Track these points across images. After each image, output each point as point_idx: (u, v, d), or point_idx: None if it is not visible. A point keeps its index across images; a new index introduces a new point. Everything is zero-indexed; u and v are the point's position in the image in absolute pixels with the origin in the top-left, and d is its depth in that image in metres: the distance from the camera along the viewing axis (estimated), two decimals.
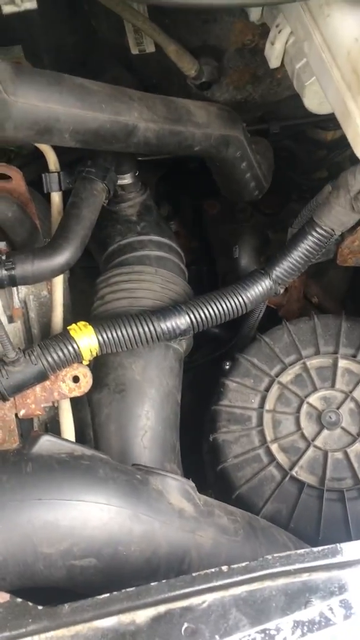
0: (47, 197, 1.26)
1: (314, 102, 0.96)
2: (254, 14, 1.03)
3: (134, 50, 1.19)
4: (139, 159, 1.30)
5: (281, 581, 0.71)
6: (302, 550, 0.72)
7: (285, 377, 1.19)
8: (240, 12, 1.10)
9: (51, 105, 0.91)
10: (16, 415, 1.08)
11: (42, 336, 1.22)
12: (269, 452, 1.14)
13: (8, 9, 0.66)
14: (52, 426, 1.22)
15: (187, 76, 1.19)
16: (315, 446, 1.13)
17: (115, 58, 1.29)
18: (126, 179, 1.28)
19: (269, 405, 1.17)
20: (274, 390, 1.18)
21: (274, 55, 0.97)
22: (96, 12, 1.22)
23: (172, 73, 1.21)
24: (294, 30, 0.89)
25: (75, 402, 1.12)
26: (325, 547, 0.72)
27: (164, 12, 1.13)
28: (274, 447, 1.14)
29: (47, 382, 1.06)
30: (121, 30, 1.18)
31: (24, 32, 1.16)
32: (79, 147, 1.01)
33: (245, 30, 1.16)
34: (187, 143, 1.13)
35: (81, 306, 1.31)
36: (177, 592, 0.69)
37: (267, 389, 1.18)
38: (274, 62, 0.99)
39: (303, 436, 1.14)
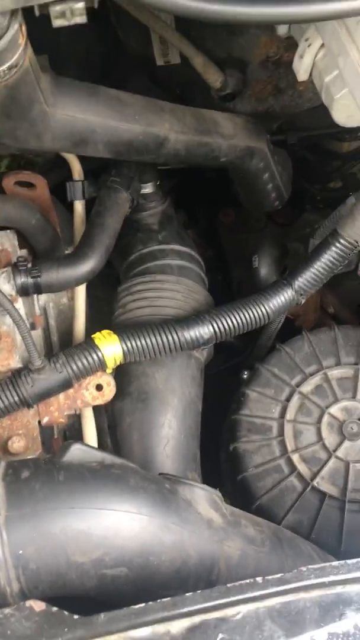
0: (68, 205, 1.27)
1: (343, 115, 0.96)
2: (282, 28, 1.04)
3: (159, 62, 1.20)
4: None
5: (315, 593, 0.71)
6: (336, 563, 0.72)
7: (306, 388, 1.19)
8: (267, 25, 1.10)
9: (88, 117, 0.92)
10: (39, 422, 1.08)
11: (61, 343, 1.23)
12: (290, 463, 1.14)
13: (58, 22, 0.66)
14: (71, 434, 1.22)
15: (211, 87, 1.21)
16: (337, 457, 1.13)
17: (139, 68, 1.30)
18: (148, 188, 1.29)
19: (289, 415, 1.18)
20: (295, 400, 1.19)
21: (302, 68, 0.98)
22: (123, 22, 1.23)
23: (196, 84, 1.22)
24: (327, 44, 0.90)
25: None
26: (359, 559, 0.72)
27: (190, 24, 1.14)
28: (295, 458, 1.14)
29: (71, 390, 1.07)
30: (147, 41, 1.19)
31: (51, 42, 1.17)
32: (111, 158, 1.02)
33: (270, 43, 1.18)
34: (214, 154, 1.14)
35: (96, 313, 1.31)
36: (212, 603, 0.70)
37: (288, 399, 1.19)
38: (302, 75, 0.99)
39: (324, 447, 1.15)
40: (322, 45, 0.94)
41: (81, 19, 0.65)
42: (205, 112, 1.14)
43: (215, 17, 0.65)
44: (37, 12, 0.67)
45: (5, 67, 0.72)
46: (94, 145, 0.96)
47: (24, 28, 0.73)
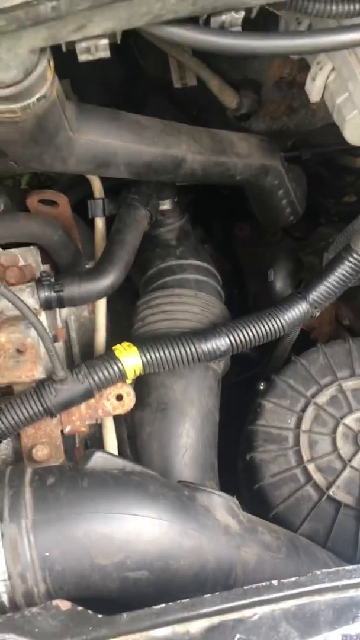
0: (89, 222, 1.32)
1: (355, 135, 1.00)
2: None
3: (177, 84, 1.25)
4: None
5: (329, 596, 0.73)
6: (350, 567, 0.74)
7: (321, 399, 1.22)
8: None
9: (110, 141, 0.97)
10: (62, 431, 1.12)
11: (82, 355, 1.27)
12: (305, 472, 1.17)
13: (83, 57, 0.71)
14: (91, 443, 1.25)
15: (226, 108, 1.25)
16: (352, 467, 1.16)
17: (158, 91, 1.34)
18: (166, 205, 1.33)
19: (305, 425, 1.20)
20: (310, 411, 1.21)
21: (314, 90, 1.02)
22: (142, 48, 1.28)
23: (212, 105, 1.26)
24: (338, 69, 0.94)
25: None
26: None
27: None
28: (310, 467, 1.17)
29: (92, 400, 1.10)
30: (165, 65, 1.24)
31: (72, 68, 1.22)
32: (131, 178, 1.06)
33: (283, 66, 1.22)
34: (229, 173, 1.18)
35: (116, 326, 1.35)
36: (230, 605, 0.72)
37: (304, 410, 1.21)
38: (314, 97, 1.03)
39: (339, 457, 1.17)
40: (333, 69, 0.98)
41: (105, 54, 0.70)
42: (221, 132, 1.18)
43: (232, 50, 0.69)
44: (64, 49, 0.71)
45: (34, 99, 0.77)
46: (116, 167, 1.00)
47: (52, 63, 0.78)
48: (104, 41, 0.68)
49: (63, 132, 0.89)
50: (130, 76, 1.36)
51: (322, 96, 1.06)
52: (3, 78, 0.72)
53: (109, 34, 0.67)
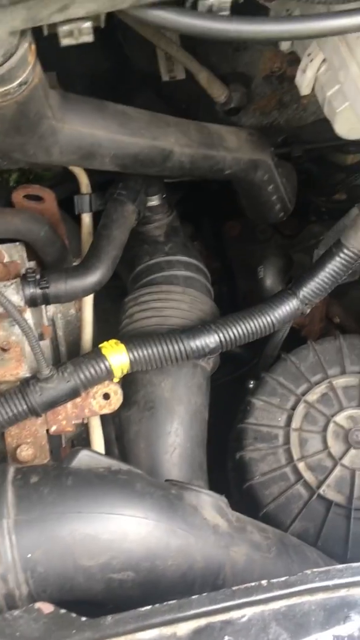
0: (76, 218, 1.30)
1: (345, 128, 0.98)
2: (284, 44, 1.07)
3: (165, 77, 1.23)
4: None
5: (320, 596, 0.72)
6: (340, 566, 0.73)
7: (312, 396, 1.21)
8: (270, 42, 1.13)
9: (95, 131, 0.95)
10: (47, 431, 1.10)
11: (69, 354, 1.24)
12: (295, 471, 1.15)
13: (66, 41, 0.69)
14: (78, 443, 1.23)
15: (216, 102, 1.23)
16: (343, 465, 1.14)
17: (145, 84, 1.33)
18: (154, 201, 1.31)
19: (295, 423, 1.19)
20: (300, 408, 1.20)
21: (305, 83, 1.00)
22: (130, 40, 1.26)
23: (201, 99, 1.24)
24: (329, 59, 0.92)
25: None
26: None
27: (195, 40, 1.17)
28: (300, 466, 1.15)
29: (78, 399, 1.08)
30: (153, 57, 1.22)
31: (59, 60, 1.20)
32: (118, 171, 1.04)
33: (273, 59, 1.20)
34: (218, 167, 1.16)
35: (104, 324, 1.33)
36: (218, 606, 0.70)
37: (294, 408, 1.20)
38: (304, 90, 1.02)
39: (330, 455, 1.15)
40: (324, 60, 0.96)
41: (88, 38, 0.68)
42: (210, 125, 1.16)
43: (220, 35, 0.67)
44: (45, 32, 0.69)
45: (15, 84, 0.75)
46: (101, 159, 0.98)
47: (33, 47, 0.76)
48: (87, 24, 0.66)
49: (46, 121, 0.87)
50: (118, 70, 1.34)
51: (313, 89, 1.04)
52: None
53: (92, 16, 0.65)
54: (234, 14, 0.73)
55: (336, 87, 0.93)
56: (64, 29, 0.67)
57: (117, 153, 0.99)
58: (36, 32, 0.73)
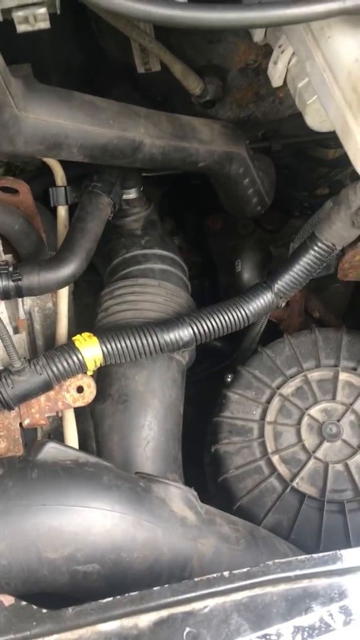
0: (53, 211, 1.29)
1: (316, 120, 0.98)
2: (258, 35, 1.06)
3: (140, 69, 1.22)
4: (144, 175, 1.33)
5: (282, 587, 0.72)
6: (302, 557, 0.73)
7: (287, 390, 1.21)
8: (245, 33, 1.13)
9: (60, 121, 0.94)
10: (20, 424, 1.09)
11: (46, 347, 1.24)
12: (270, 464, 1.15)
13: (22, 27, 0.68)
14: (55, 437, 1.23)
15: (191, 94, 1.23)
16: (316, 458, 1.14)
17: (121, 76, 1.32)
18: (131, 194, 1.30)
19: (270, 417, 1.19)
20: (275, 402, 1.20)
21: (276, 74, 1.00)
22: (104, 31, 1.26)
23: (177, 91, 1.24)
24: (297, 50, 0.92)
25: (77, 414, 1.14)
26: (326, 553, 0.73)
27: (169, 32, 1.16)
28: (275, 459, 1.15)
29: (52, 392, 1.08)
30: (128, 49, 1.22)
31: (33, 51, 1.19)
32: (87, 162, 1.03)
33: (248, 51, 1.20)
34: (191, 159, 1.15)
35: (85, 319, 1.33)
36: (180, 597, 0.70)
37: (269, 401, 1.20)
38: (276, 82, 1.01)
39: (304, 448, 1.16)
40: (294, 52, 0.96)
41: (45, 25, 0.67)
42: (182, 117, 1.16)
43: (175, 22, 0.67)
44: (0, 17, 0.68)
45: None
46: (68, 149, 0.98)
47: None
48: (42, 10, 0.66)
49: (8, 109, 0.87)
50: (93, 62, 1.33)
51: (285, 81, 1.04)
52: None
53: (46, 1, 0.65)
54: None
55: (305, 80, 0.93)
56: (18, 14, 0.66)
57: (84, 144, 0.98)
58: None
